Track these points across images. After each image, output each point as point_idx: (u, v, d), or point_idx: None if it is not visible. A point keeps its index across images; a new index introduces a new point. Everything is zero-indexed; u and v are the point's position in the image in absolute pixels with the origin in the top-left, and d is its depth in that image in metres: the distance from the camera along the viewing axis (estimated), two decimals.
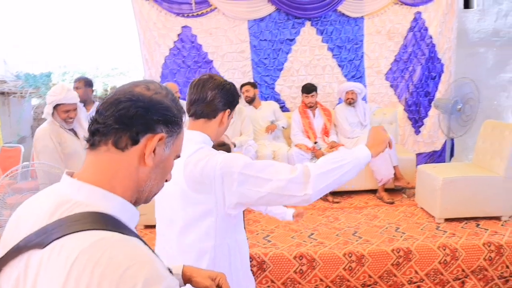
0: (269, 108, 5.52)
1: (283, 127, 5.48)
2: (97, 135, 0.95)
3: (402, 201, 4.89)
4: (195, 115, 1.81)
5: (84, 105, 4.56)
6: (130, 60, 7.59)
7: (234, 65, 5.87)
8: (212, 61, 5.82)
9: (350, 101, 5.33)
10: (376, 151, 1.74)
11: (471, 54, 6.35)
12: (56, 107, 3.42)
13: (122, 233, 0.86)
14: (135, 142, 0.95)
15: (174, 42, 5.75)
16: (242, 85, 5.44)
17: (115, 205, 0.93)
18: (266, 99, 5.92)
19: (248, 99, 5.40)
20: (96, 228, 0.84)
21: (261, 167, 1.63)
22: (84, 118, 3.71)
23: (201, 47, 5.78)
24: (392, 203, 4.79)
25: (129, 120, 0.94)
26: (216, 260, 1.76)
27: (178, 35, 5.74)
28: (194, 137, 1.76)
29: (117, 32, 7.58)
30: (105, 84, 8.42)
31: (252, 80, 5.87)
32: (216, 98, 1.79)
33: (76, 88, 4.60)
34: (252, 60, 5.89)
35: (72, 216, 0.87)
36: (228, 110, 1.84)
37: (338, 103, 5.91)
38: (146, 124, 0.96)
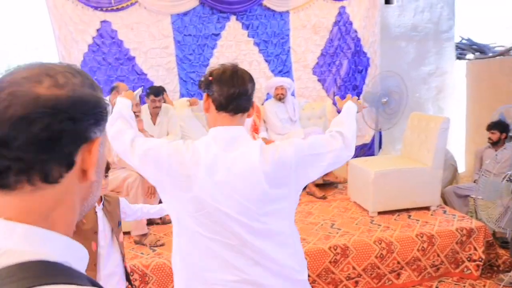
0: (181, 104, 5.29)
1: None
2: (10, 174, 0.65)
3: (334, 195, 4.90)
4: (235, 110, 1.63)
5: None
6: (44, 58, 7.04)
7: (158, 61, 5.57)
8: (134, 57, 5.48)
9: (280, 97, 5.26)
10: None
11: (393, 47, 6.52)
12: None
13: (75, 283, 0.61)
14: (70, 165, 0.69)
15: (93, 38, 5.34)
16: (148, 94, 4.77)
17: (60, 247, 0.67)
18: (192, 96, 5.69)
19: (158, 108, 4.89)
20: (42, 284, 0.59)
21: (316, 143, 1.67)
22: None
23: (122, 43, 5.42)
24: (324, 197, 4.77)
25: (56, 142, 0.66)
26: (297, 247, 1.72)
27: (97, 30, 5.34)
28: (242, 133, 1.64)
29: (29, 27, 7.01)
30: None
31: (177, 77, 5.62)
32: (253, 91, 1.69)
33: None
34: (176, 56, 5.63)
35: (3, 272, 0.60)
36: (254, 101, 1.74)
37: (266, 99, 5.83)
38: (78, 136, 0.69)
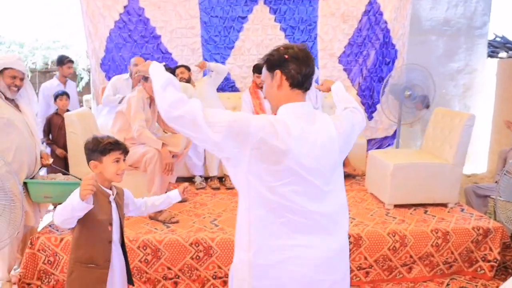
0: (203, 84, 5.30)
1: (211, 72, 5.29)
2: None
3: (351, 186, 4.86)
4: (307, 87, 1.78)
5: None
6: (72, 33, 7.12)
7: (183, 41, 5.59)
8: (160, 36, 5.50)
9: None
10: None
11: (422, 41, 6.38)
12: (3, 71, 3.25)
13: None
14: None
15: (120, 14, 5.38)
16: (177, 67, 5.15)
17: None
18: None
19: (184, 80, 5.13)
20: None
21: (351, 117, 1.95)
22: (33, 94, 3.60)
23: (149, 21, 5.45)
24: None
25: None
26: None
27: (124, 7, 5.38)
28: (313, 109, 1.80)
29: (59, 2, 7.10)
30: (45, 57, 7.91)
31: (201, 58, 5.63)
32: None
33: None
34: (202, 37, 5.63)
35: None
36: None
37: None
38: None
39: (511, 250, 3.68)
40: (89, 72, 6.39)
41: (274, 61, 1.75)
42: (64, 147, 4.34)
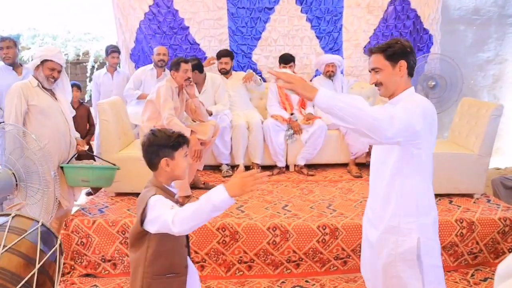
0: (240, 78, 5.36)
1: (260, 79, 5.33)
2: None
3: None
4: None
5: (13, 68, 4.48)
6: (103, 24, 7.29)
7: (211, 32, 5.68)
8: (188, 27, 5.61)
9: (330, 74, 5.25)
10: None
11: (450, 31, 6.29)
12: (43, 62, 3.40)
13: None
14: None
15: (150, 6, 5.50)
16: (222, 56, 5.25)
17: None
18: (242, 69, 5.78)
19: (224, 71, 5.24)
20: None
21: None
22: (68, 84, 3.75)
23: (178, 12, 5.56)
24: (360, 176, 4.78)
25: None
26: None
27: None
28: None
29: None
30: (77, 48, 8.11)
31: (228, 48, 5.71)
32: None
33: (7, 48, 4.45)
34: (229, 28, 5.71)
35: None
36: None
37: (315, 75, 5.83)
38: None
39: None
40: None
41: (398, 52, 2.01)
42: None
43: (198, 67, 4.83)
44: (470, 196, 4.10)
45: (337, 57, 5.43)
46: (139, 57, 5.63)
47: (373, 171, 2.22)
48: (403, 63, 2.00)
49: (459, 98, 5.08)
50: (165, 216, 1.77)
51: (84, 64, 7.99)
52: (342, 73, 5.74)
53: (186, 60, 4.04)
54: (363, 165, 5.05)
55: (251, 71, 5.42)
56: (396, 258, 2.03)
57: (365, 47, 6.00)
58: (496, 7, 6.44)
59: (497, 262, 3.60)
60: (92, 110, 5.36)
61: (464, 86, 5.39)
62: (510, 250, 3.58)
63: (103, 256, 3.53)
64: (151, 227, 1.85)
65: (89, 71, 7.68)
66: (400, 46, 2.00)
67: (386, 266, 2.07)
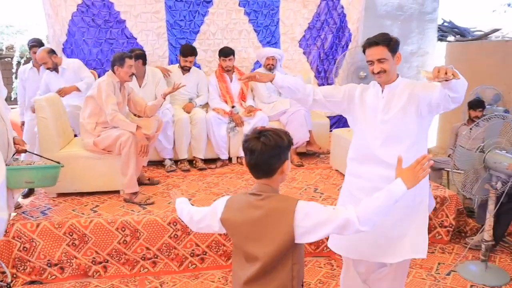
0: (196, 77, 5.31)
1: (200, 105, 5.26)
2: None
3: (317, 164, 5.08)
4: None
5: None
6: (28, 16, 6.92)
7: (148, 26, 5.58)
8: (124, 21, 5.48)
9: (270, 67, 5.36)
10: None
11: (378, 25, 6.64)
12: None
13: None
14: None
15: None
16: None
17: None
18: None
19: (187, 68, 5.18)
20: None
21: None
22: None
23: (113, 5, 5.40)
24: (301, 165, 4.95)
25: None
26: None
27: None
28: None
29: None
30: None
31: (167, 43, 5.66)
32: None
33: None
34: (167, 21, 5.65)
35: None
36: None
37: (254, 68, 5.92)
38: None
39: (464, 216, 4.02)
40: None
41: (396, 45, 2.35)
42: None
43: (143, 57, 4.80)
44: None
45: (278, 51, 5.56)
46: (72, 51, 5.41)
47: (381, 145, 2.37)
48: (399, 55, 2.37)
49: None
50: (342, 216, 1.65)
51: (6, 59, 7.55)
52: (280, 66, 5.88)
53: (130, 56, 3.96)
54: (304, 154, 5.23)
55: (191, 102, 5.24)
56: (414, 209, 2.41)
57: (300, 40, 6.19)
58: (417, 5, 6.89)
59: (430, 237, 3.78)
60: (18, 108, 5.09)
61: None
62: (440, 225, 3.90)
63: (49, 260, 3.37)
64: (314, 235, 1.66)
65: (15, 67, 7.25)
66: (396, 40, 2.36)
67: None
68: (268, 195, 1.70)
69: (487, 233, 3.39)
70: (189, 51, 5.07)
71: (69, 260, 3.40)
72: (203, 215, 1.87)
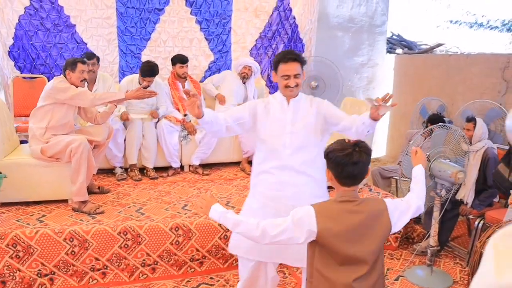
0: (156, 88, 5.17)
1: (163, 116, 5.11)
2: None
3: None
4: None
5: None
6: None
7: (99, 31, 5.46)
8: (74, 25, 5.33)
9: (244, 76, 5.45)
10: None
11: (330, 36, 6.83)
12: None
13: None
14: None
15: (31, 0, 5.12)
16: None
17: None
18: (131, 69, 5.66)
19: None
20: None
21: None
22: None
23: (62, 9, 5.25)
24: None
25: None
26: None
27: None
28: None
29: None
30: None
31: (117, 49, 5.56)
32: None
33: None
34: (118, 27, 5.55)
35: None
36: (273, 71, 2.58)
37: (205, 77, 5.95)
38: None
39: (411, 222, 4.15)
40: None
41: (304, 62, 2.54)
42: None
43: (98, 59, 4.78)
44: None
45: (256, 64, 5.67)
46: (19, 55, 5.21)
47: (291, 154, 2.48)
48: (303, 71, 2.52)
49: (340, 98, 5.55)
50: (414, 204, 2.03)
51: None
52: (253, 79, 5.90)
53: (83, 61, 3.86)
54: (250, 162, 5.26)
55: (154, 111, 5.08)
56: None
57: (251, 49, 6.25)
58: (367, 17, 7.12)
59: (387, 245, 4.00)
60: None
61: (344, 86, 5.88)
62: None
63: None
64: (400, 224, 1.97)
65: None
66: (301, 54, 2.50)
67: None
68: (361, 200, 1.90)
69: (432, 239, 3.52)
70: (148, 72, 4.67)
71: (12, 274, 3.25)
72: (282, 229, 1.89)
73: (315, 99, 2.61)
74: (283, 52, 2.58)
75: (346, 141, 1.89)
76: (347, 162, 1.83)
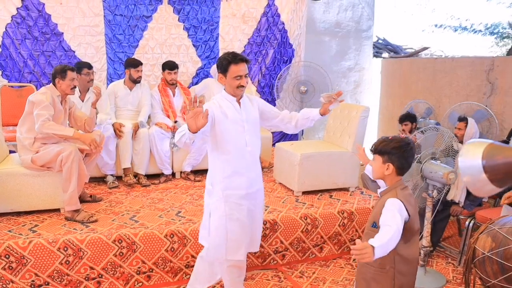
0: (140, 91, 5.14)
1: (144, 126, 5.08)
2: None
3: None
4: None
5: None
6: None
7: (87, 39, 5.45)
8: (62, 33, 5.31)
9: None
10: None
11: (318, 41, 6.89)
12: None
13: None
14: None
15: (17, 8, 5.09)
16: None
17: None
18: (120, 76, 5.65)
19: (139, 79, 5.06)
20: None
21: None
22: None
23: (50, 17, 5.23)
24: None
25: None
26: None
27: (22, 1, 5.10)
28: None
29: None
30: None
31: (105, 57, 5.54)
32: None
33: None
34: (106, 35, 5.54)
35: None
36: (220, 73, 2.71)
37: (192, 83, 5.95)
38: None
39: None
40: None
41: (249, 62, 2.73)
42: None
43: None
44: (346, 189, 4.53)
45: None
46: (7, 63, 5.16)
47: (250, 151, 2.78)
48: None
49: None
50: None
51: None
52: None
53: (73, 68, 3.84)
54: None
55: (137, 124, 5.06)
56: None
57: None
58: (353, 22, 7.20)
59: None
60: None
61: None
62: None
63: None
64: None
65: None
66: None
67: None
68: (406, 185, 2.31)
69: (425, 240, 3.56)
70: (138, 61, 4.96)
71: (4, 285, 3.20)
72: (397, 220, 2.07)
73: (252, 97, 2.89)
74: (229, 54, 2.68)
75: (403, 136, 2.31)
76: (413, 154, 2.25)
